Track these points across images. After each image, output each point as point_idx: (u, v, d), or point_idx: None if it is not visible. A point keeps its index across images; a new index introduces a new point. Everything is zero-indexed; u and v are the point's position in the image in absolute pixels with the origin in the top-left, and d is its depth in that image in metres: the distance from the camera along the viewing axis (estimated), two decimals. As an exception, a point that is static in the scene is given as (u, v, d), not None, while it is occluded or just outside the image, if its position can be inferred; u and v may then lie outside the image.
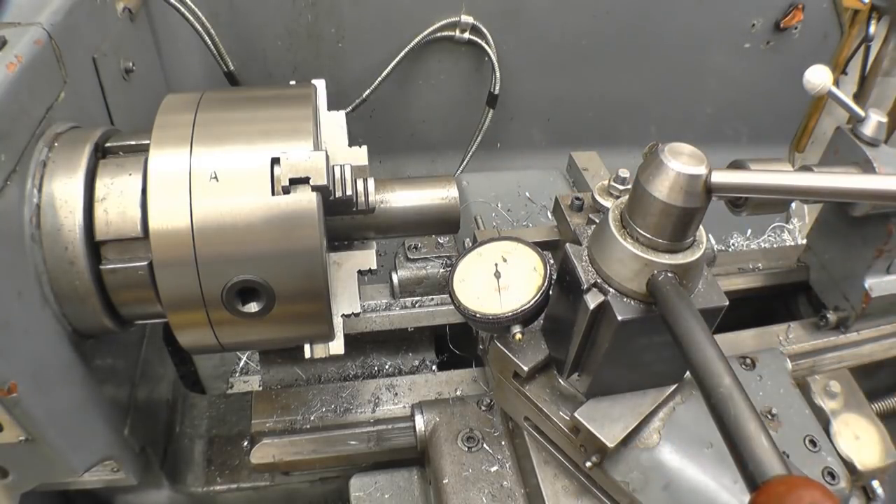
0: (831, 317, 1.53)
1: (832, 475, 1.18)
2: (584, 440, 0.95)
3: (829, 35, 2.42)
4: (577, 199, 1.09)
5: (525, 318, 0.92)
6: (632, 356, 0.89)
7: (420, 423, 1.19)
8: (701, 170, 0.74)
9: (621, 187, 0.98)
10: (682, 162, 0.74)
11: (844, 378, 1.43)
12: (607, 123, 2.49)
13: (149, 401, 1.26)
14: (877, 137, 1.36)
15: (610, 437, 0.92)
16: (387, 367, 1.46)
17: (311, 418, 1.28)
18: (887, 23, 2.54)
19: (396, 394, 1.32)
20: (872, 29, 2.55)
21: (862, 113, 1.36)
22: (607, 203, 0.99)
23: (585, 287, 0.84)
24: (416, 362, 1.47)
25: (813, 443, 1.22)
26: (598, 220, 0.97)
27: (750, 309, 1.73)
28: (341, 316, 0.95)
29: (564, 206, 1.10)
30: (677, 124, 2.61)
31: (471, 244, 1.02)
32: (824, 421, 1.35)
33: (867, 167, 1.35)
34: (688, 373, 0.97)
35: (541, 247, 1.00)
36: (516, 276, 0.94)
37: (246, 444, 1.41)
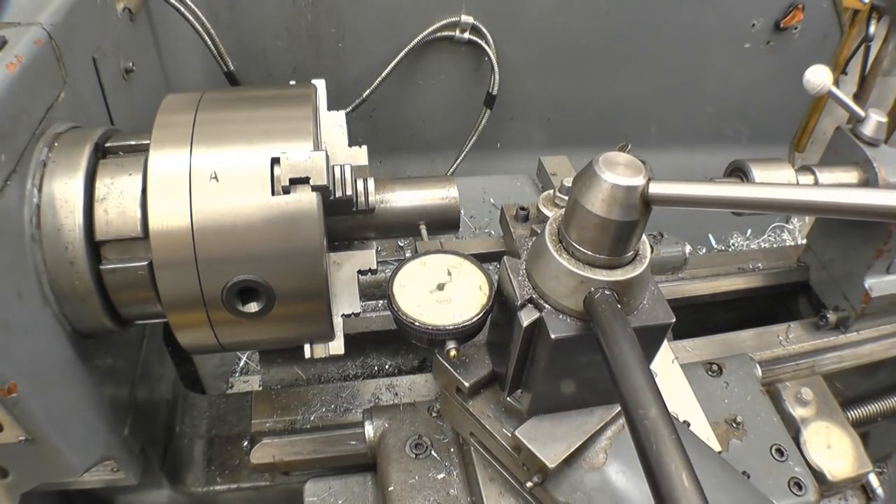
0: (831, 317, 1.53)
1: (799, 485, 1.14)
2: (525, 459, 0.92)
3: (829, 35, 2.42)
4: (522, 209, 1.04)
5: (464, 334, 0.88)
6: (573, 374, 0.85)
7: (369, 429, 1.16)
8: (638, 181, 0.68)
9: (567, 197, 0.90)
10: (617, 173, 0.69)
11: (818, 385, 1.39)
12: (607, 123, 2.49)
13: (149, 401, 1.26)
14: (877, 137, 1.37)
15: (551, 457, 0.88)
16: (387, 367, 1.45)
17: (311, 418, 1.28)
18: (887, 23, 2.55)
19: (396, 394, 1.32)
20: (872, 29, 2.55)
21: (862, 113, 1.36)
22: (552, 214, 0.93)
23: (520, 303, 0.80)
24: (417, 362, 1.47)
25: (780, 452, 1.19)
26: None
27: (750, 309, 1.73)
28: (341, 316, 0.95)
29: (509, 216, 1.05)
30: (677, 124, 2.61)
31: (412, 254, 0.97)
32: (794, 429, 1.31)
33: (867, 167, 1.36)
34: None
35: (485, 258, 0.95)
36: (460, 292, 0.91)
37: (246, 444, 1.41)
